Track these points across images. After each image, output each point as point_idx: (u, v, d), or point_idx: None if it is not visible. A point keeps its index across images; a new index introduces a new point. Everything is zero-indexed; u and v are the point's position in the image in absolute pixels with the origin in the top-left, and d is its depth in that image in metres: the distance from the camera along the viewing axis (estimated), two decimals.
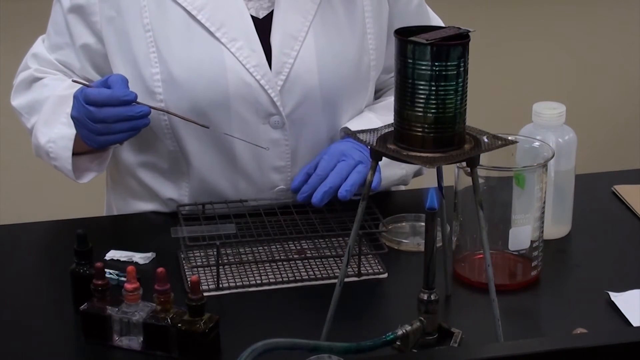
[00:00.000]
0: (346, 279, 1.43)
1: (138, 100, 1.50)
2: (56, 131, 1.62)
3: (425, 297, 1.22)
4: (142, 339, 1.29)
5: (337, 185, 1.56)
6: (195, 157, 1.65)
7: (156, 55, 1.60)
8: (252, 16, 1.62)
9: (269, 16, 1.63)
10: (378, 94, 1.78)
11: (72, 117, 1.55)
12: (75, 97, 1.54)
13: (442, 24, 1.81)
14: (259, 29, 1.62)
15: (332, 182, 1.56)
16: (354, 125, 1.66)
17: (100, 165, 1.67)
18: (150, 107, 1.51)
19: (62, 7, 1.66)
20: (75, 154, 1.62)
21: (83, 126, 1.53)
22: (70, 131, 1.59)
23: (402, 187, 1.86)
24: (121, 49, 1.62)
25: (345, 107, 1.67)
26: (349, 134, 1.24)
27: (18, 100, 1.72)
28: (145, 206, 1.74)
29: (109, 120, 1.50)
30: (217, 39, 1.60)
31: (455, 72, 1.15)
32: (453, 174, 1.43)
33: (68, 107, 1.59)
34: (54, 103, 1.64)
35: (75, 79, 1.61)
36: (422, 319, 1.21)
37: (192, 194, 1.69)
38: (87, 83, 1.56)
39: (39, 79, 1.69)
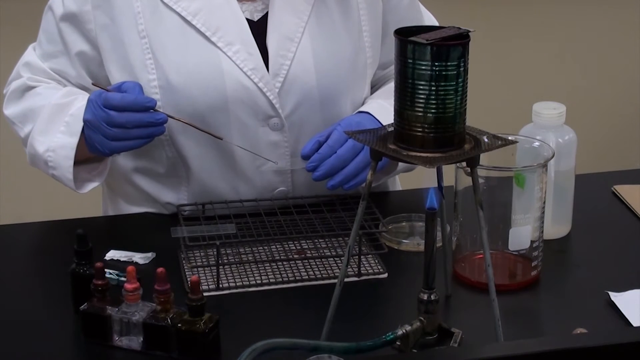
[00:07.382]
0: (346, 279, 1.43)
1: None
2: (55, 140, 1.60)
3: (425, 297, 1.22)
4: (142, 339, 1.29)
5: (351, 177, 1.56)
6: (195, 162, 1.65)
7: (152, 62, 1.60)
8: (246, 19, 1.62)
9: (264, 18, 1.63)
10: (373, 89, 1.78)
11: (86, 121, 1.54)
12: (90, 100, 1.54)
13: (433, 20, 1.82)
14: (254, 31, 1.61)
15: (347, 172, 1.55)
16: (367, 107, 1.65)
17: (100, 176, 1.66)
18: (168, 116, 1.52)
19: (54, 16, 1.65)
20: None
21: (98, 130, 1.52)
22: (71, 140, 1.58)
23: (400, 187, 1.86)
24: (117, 56, 1.61)
25: (343, 106, 1.67)
26: (349, 134, 1.24)
27: (11, 109, 1.69)
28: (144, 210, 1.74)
29: (129, 126, 1.50)
30: (214, 43, 1.59)
31: (455, 72, 1.15)
32: (453, 174, 1.43)
33: (66, 116, 1.59)
34: (51, 111, 1.62)
35: (94, 82, 1.61)
36: (422, 319, 1.21)
37: (191, 197, 1.68)
38: (105, 87, 1.55)
39: (32, 87, 1.67)
